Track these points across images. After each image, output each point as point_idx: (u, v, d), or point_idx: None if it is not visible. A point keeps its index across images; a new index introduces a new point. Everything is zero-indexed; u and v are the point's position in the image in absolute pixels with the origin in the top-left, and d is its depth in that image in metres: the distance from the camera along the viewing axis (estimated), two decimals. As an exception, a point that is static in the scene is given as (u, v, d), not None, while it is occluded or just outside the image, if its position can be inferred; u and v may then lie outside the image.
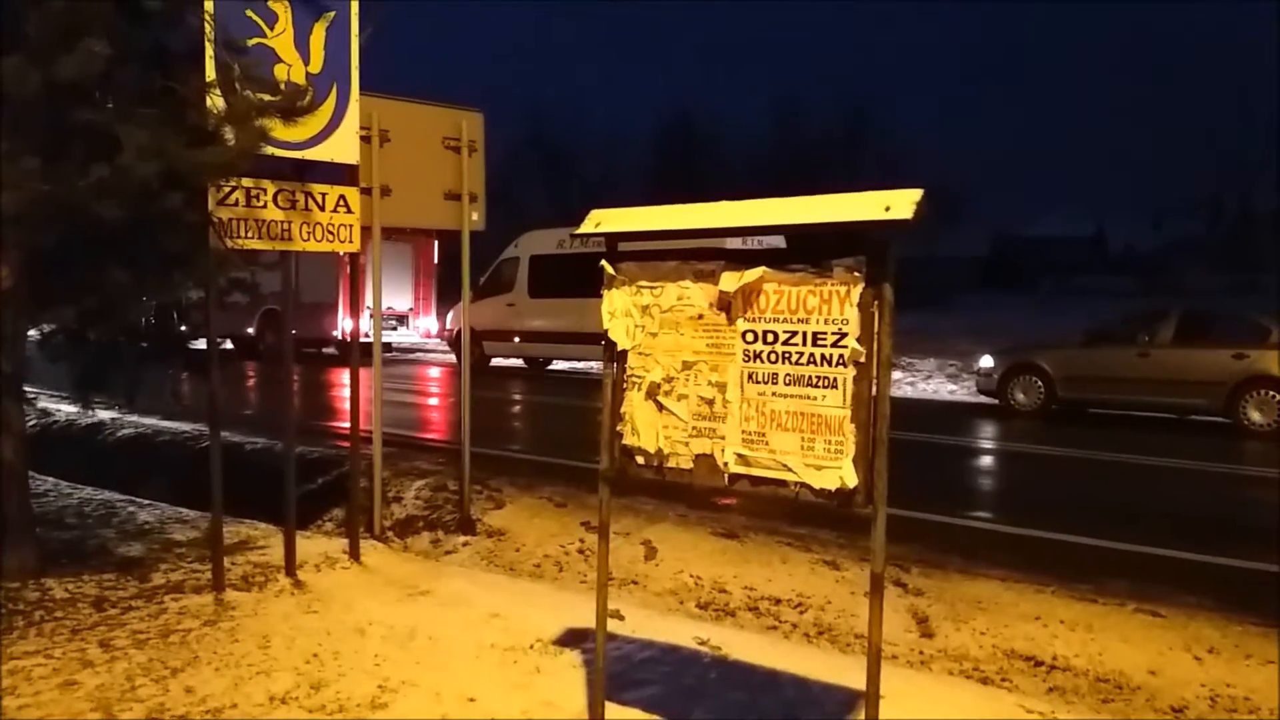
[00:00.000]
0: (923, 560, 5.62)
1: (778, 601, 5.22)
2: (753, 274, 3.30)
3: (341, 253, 5.36)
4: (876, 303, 3.05)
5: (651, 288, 3.59)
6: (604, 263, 3.71)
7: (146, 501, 7.04)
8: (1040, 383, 12.92)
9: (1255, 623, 4.73)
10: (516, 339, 18.79)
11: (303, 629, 4.48)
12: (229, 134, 4.59)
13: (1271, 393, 11.22)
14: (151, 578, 5.14)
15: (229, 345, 21.27)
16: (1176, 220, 63.79)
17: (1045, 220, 70.60)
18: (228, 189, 4.76)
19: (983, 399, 13.95)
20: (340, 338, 20.35)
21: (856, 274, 3.09)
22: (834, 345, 3.14)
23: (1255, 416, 11.28)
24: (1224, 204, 61.61)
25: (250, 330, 20.92)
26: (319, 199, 5.16)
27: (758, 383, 3.33)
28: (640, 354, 3.61)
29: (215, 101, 4.59)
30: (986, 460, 10.64)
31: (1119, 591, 5.18)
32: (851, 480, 3.09)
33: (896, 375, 16.86)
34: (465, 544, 6.42)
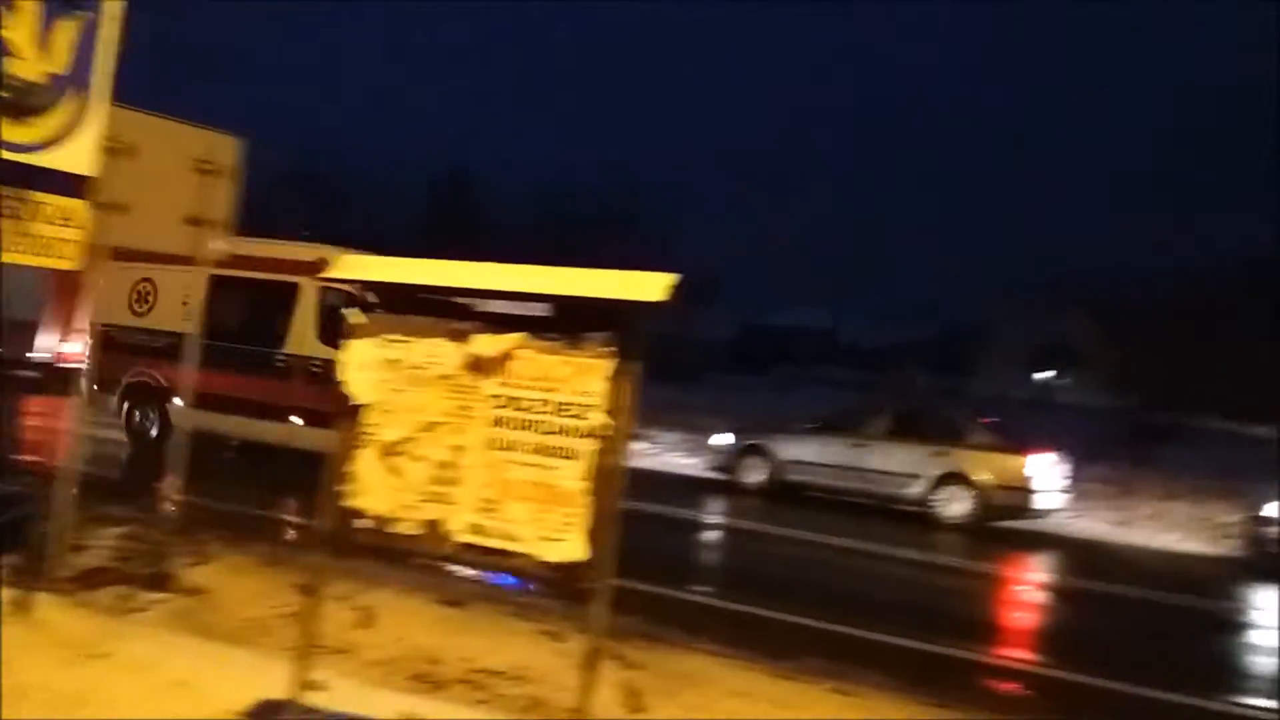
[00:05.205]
0: (643, 633, 5.71)
1: (495, 674, 5.10)
2: (510, 339, 3.28)
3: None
4: (624, 378, 3.11)
5: (402, 342, 3.48)
6: (352, 310, 3.57)
7: None
8: (767, 464, 13.71)
9: (932, 702, 5.23)
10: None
11: (-55, 694, 3.85)
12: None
13: (963, 488, 12.48)
14: None
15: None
16: (900, 321, 70.53)
17: (787, 310, 75.82)
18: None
19: (715, 475, 14.59)
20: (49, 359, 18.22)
21: (608, 349, 3.15)
22: (579, 416, 3.17)
23: (949, 509, 12.48)
24: (939, 312, 68.88)
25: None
26: (39, 208, 4.63)
27: (499, 449, 3.28)
28: (381, 411, 3.47)
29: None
30: (712, 535, 11.08)
31: (816, 669, 5.54)
32: (582, 554, 3.10)
33: (638, 446, 17.30)
34: (159, 601, 5.80)
